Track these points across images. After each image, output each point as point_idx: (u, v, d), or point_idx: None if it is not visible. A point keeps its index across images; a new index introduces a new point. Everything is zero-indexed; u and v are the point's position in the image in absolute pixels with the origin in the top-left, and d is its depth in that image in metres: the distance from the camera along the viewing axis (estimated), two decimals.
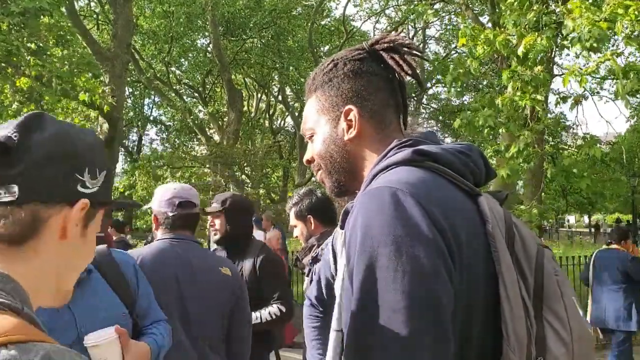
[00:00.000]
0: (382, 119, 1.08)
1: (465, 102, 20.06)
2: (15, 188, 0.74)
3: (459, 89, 6.30)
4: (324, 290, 2.20)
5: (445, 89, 22.27)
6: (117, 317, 1.66)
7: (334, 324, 1.90)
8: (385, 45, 1.09)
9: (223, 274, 2.26)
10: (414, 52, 1.11)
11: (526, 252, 0.94)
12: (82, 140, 0.82)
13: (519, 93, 5.50)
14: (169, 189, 2.32)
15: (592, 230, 33.99)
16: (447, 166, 0.96)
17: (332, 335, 1.88)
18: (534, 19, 5.80)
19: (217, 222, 3.03)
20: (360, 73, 1.09)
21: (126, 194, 18.07)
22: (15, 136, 0.76)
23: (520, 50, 5.36)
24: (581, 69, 5.44)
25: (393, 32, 1.21)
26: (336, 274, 1.96)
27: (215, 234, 3.08)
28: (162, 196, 2.28)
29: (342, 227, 1.03)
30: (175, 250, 2.20)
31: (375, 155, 1.06)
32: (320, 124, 1.13)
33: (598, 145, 6.45)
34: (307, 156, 1.18)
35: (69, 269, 0.83)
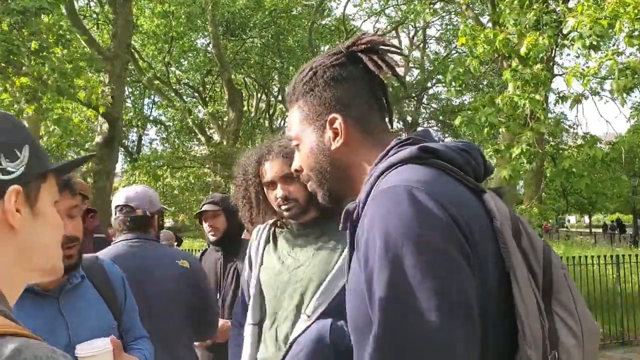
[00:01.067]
0: (367, 123, 1.08)
1: (466, 102, 20.05)
2: None
3: (458, 88, 6.30)
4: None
5: (446, 89, 22.33)
6: (107, 328, 1.64)
7: (249, 319, 1.93)
8: (363, 46, 1.08)
9: (180, 266, 2.38)
10: (393, 50, 1.10)
11: (534, 247, 0.94)
12: None
13: (519, 92, 5.49)
14: (114, 196, 2.48)
15: (601, 230, 33.87)
16: (450, 163, 0.95)
17: (249, 328, 1.91)
18: (534, 18, 5.79)
19: (217, 221, 3.05)
20: (341, 80, 1.08)
21: None
22: None
23: (522, 50, 5.36)
24: (583, 69, 5.44)
25: (370, 32, 1.18)
26: (251, 278, 2.00)
27: (214, 234, 3.08)
28: (112, 204, 2.46)
29: (344, 229, 1.02)
30: (131, 250, 2.31)
31: (366, 160, 1.06)
32: (306, 134, 1.12)
33: (598, 145, 6.44)
34: (295, 165, 1.17)
35: (41, 249, 0.81)
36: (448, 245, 0.82)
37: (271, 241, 2.00)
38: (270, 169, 1.89)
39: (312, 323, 1.71)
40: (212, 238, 3.13)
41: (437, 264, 0.81)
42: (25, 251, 0.79)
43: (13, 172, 0.78)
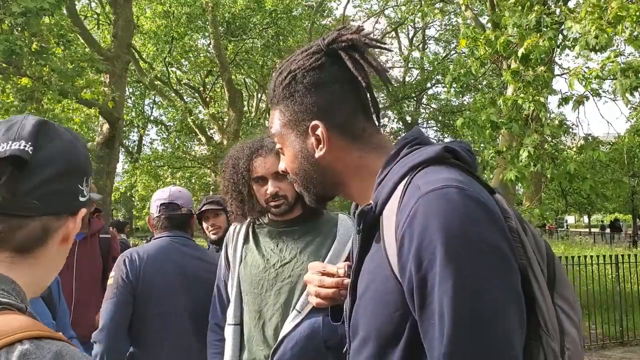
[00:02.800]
0: (353, 128, 1.03)
1: (465, 103, 20.07)
2: (34, 202, 0.76)
3: (458, 89, 6.31)
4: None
5: (445, 89, 22.31)
6: (48, 325, 1.62)
7: (230, 319, 1.92)
8: (344, 44, 1.01)
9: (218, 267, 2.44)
10: (378, 45, 1.05)
11: (537, 244, 0.96)
12: (82, 151, 0.85)
13: (521, 95, 5.51)
14: (157, 193, 2.55)
15: (609, 230, 33.66)
16: (465, 163, 0.97)
17: (229, 329, 1.90)
18: (535, 20, 5.82)
19: (218, 220, 3.09)
20: (322, 84, 1.02)
21: (127, 194, 18.07)
22: (30, 149, 0.76)
23: (520, 52, 5.37)
24: (585, 70, 5.46)
25: (352, 26, 1.08)
26: (229, 278, 2.00)
27: (215, 233, 3.12)
28: (153, 200, 2.51)
29: (359, 232, 1.01)
30: (175, 246, 2.39)
31: (361, 164, 1.03)
32: (289, 139, 1.07)
33: (599, 146, 6.45)
34: (281, 167, 1.14)
35: (56, 267, 0.86)
36: (505, 244, 0.83)
37: (251, 239, 1.98)
38: (262, 165, 1.88)
39: (303, 319, 1.71)
40: (213, 237, 3.16)
41: (500, 264, 0.82)
42: (55, 266, 0.85)
43: (85, 197, 0.85)
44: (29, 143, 0.77)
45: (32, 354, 0.63)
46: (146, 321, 2.28)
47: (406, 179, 0.93)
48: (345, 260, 1.80)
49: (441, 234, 0.81)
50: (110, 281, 2.30)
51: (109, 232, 3.63)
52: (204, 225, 3.22)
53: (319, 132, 1.02)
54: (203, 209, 3.19)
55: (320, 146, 1.03)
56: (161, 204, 2.45)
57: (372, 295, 0.95)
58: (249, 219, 2.00)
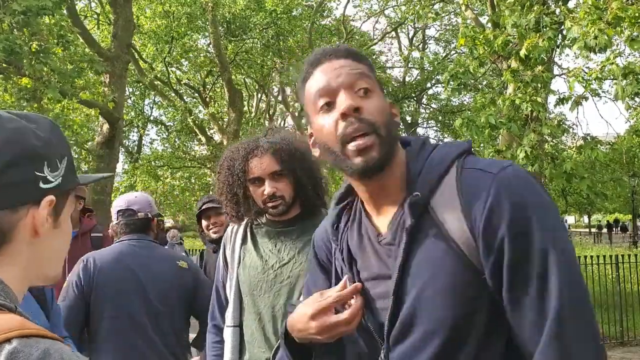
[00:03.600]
0: None
1: (465, 103, 20.07)
2: None
3: (455, 87, 6.30)
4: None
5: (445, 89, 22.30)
6: (42, 326, 1.62)
7: (229, 321, 1.91)
8: None
9: (178, 266, 2.55)
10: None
11: None
12: (38, 136, 0.80)
13: (520, 94, 5.51)
14: (115, 201, 2.67)
15: (618, 230, 33.62)
16: None
17: (229, 331, 1.89)
18: (534, 19, 5.81)
19: (219, 219, 3.10)
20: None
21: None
22: None
23: (522, 52, 5.37)
24: (584, 71, 5.45)
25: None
26: (227, 278, 1.98)
27: (216, 232, 3.12)
28: (112, 209, 2.63)
29: (415, 223, 0.99)
30: (133, 249, 2.47)
31: (398, 148, 1.08)
32: (377, 89, 1.07)
33: (599, 146, 6.45)
34: (354, 101, 1.03)
35: (52, 257, 0.84)
36: None
37: (249, 239, 1.97)
38: (258, 166, 1.85)
39: None
40: (214, 235, 3.16)
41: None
42: (38, 258, 0.81)
43: (52, 182, 0.81)
44: None
45: (19, 352, 0.62)
46: (101, 322, 2.36)
47: (454, 167, 1.00)
48: None
49: (532, 203, 0.92)
50: (64, 283, 2.41)
51: (101, 231, 3.65)
52: (204, 223, 3.21)
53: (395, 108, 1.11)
54: (204, 207, 3.19)
55: (394, 111, 1.09)
56: (118, 211, 2.55)
57: (441, 286, 0.95)
58: (246, 220, 1.98)
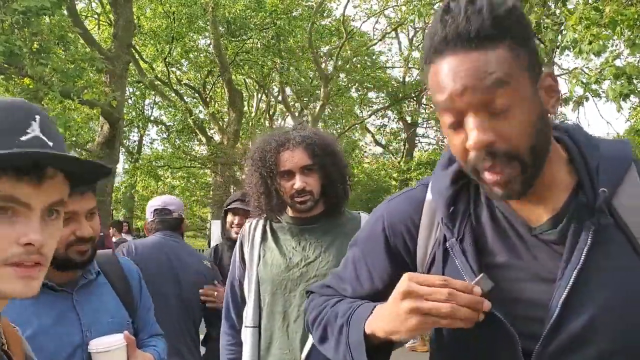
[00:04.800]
0: None
1: None
2: None
3: None
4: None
5: None
6: (122, 324, 1.61)
7: (248, 321, 1.85)
8: None
9: (205, 265, 2.75)
10: None
11: None
12: None
13: None
14: (152, 201, 2.91)
15: None
16: None
17: (248, 332, 1.83)
18: (535, 22, 5.82)
19: (245, 221, 3.06)
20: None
21: (127, 194, 18.08)
22: None
23: None
24: (584, 72, 5.46)
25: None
26: (244, 277, 1.91)
27: (237, 233, 3.08)
28: (148, 207, 2.87)
29: (600, 217, 0.85)
30: (168, 242, 2.68)
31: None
32: (522, 88, 0.80)
33: None
34: (485, 135, 0.80)
35: None
36: None
37: (269, 236, 1.90)
38: (289, 159, 1.80)
39: None
40: (234, 235, 3.11)
41: None
42: None
43: None
44: None
45: None
46: None
47: (633, 164, 0.89)
48: None
49: None
50: None
51: (102, 231, 3.70)
52: (229, 220, 3.14)
53: (552, 80, 0.85)
54: (233, 205, 3.11)
55: (553, 101, 0.85)
56: (154, 210, 2.79)
57: (631, 301, 0.81)
58: (265, 216, 1.91)
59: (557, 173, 0.89)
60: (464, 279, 0.87)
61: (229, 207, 3.09)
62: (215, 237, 9.18)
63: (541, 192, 0.88)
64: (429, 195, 1.00)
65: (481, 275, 0.84)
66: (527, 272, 0.87)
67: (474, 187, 0.97)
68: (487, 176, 0.84)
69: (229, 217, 3.11)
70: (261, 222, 1.95)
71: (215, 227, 9.70)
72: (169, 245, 2.66)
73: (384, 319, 0.90)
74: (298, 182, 1.78)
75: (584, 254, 0.82)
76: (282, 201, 1.84)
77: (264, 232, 1.92)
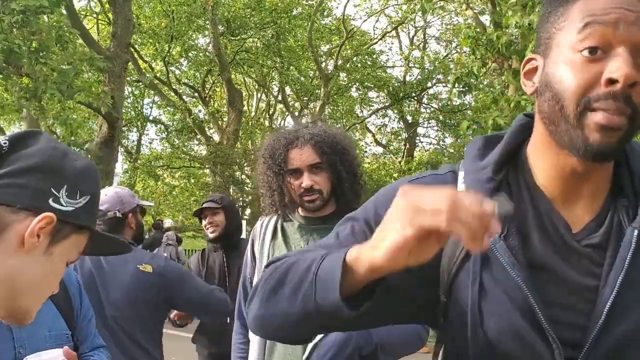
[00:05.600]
0: None
1: (466, 102, 20.05)
2: None
3: (461, 89, 6.26)
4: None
5: (446, 89, 22.20)
6: (60, 337, 1.46)
7: None
8: None
9: (142, 271, 2.33)
10: None
11: None
12: (71, 162, 0.84)
13: (525, 96, 5.48)
14: None
15: None
16: None
17: (256, 338, 1.81)
18: (536, 19, 5.78)
19: (217, 218, 3.10)
20: None
21: None
22: (5, 144, 0.79)
23: (528, 52, 5.33)
24: None
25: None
26: (254, 274, 1.90)
27: (213, 232, 3.12)
28: None
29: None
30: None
31: None
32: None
33: None
34: (634, 72, 0.76)
35: (29, 285, 0.81)
36: None
37: (279, 235, 1.89)
38: (298, 157, 1.78)
39: None
40: (211, 235, 3.17)
41: None
42: (17, 278, 0.79)
43: (62, 206, 0.83)
44: (7, 140, 0.80)
45: None
46: None
47: None
48: None
49: None
50: None
51: None
52: (203, 222, 3.22)
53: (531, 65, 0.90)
54: (202, 207, 3.20)
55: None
56: None
57: None
58: (278, 214, 1.90)
59: (604, 172, 0.86)
60: (511, 277, 0.81)
61: (199, 211, 3.16)
62: None
63: (587, 191, 0.85)
64: (461, 185, 0.91)
65: (501, 194, 0.76)
66: (570, 276, 0.82)
67: (515, 181, 0.89)
68: (595, 118, 0.76)
69: (203, 222, 3.16)
70: (273, 220, 1.93)
71: None
72: (94, 258, 2.28)
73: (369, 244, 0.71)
74: (306, 181, 1.77)
75: (628, 258, 0.78)
76: (293, 199, 1.84)
77: (275, 230, 1.91)
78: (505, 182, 0.89)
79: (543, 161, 0.87)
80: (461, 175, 0.92)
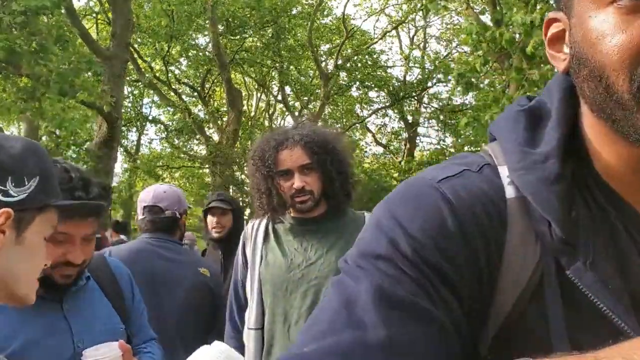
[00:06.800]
0: None
1: (467, 102, 20.04)
2: None
3: (463, 86, 6.23)
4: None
5: (446, 88, 22.18)
6: (115, 330, 1.52)
7: (251, 323, 1.80)
8: None
9: (201, 274, 2.34)
10: None
11: None
12: (6, 151, 0.84)
13: (526, 94, 5.46)
14: (142, 194, 2.44)
15: None
16: None
17: (251, 333, 1.78)
18: (540, 17, 5.76)
19: (225, 220, 3.08)
20: None
21: (127, 194, 18.00)
22: None
23: (529, 49, 5.30)
24: None
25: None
26: (247, 278, 1.87)
27: (219, 232, 3.09)
28: (138, 201, 2.42)
29: None
30: (152, 248, 2.28)
31: None
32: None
33: None
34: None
35: (17, 275, 0.84)
36: None
37: (271, 237, 1.87)
38: (288, 158, 1.78)
39: None
40: (216, 235, 3.13)
41: None
42: (1, 274, 0.82)
43: (13, 197, 0.83)
44: None
45: None
46: None
47: None
48: None
49: None
50: None
51: (99, 232, 3.60)
52: (209, 220, 3.15)
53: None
54: (211, 205, 3.15)
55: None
56: (144, 207, 2.35)
57: None
58: (267, 216, 1.89)
59: None
60: (610, 320, 0.54)
61: (208, 207, 3.11)
62: None
63: None
64: (509, 190, 0.62)
65: None
66: None
67: (580, 178, 0.62)
68: None
69: (209, 218, 3.12)
70: (264, 222, 1.91)
71: None
72: (149, 253, 2.24)
73: None
74: (297, 182, 1.76)
75: None
76: (283, 201, 1.82)
77: (267, 232, 1.89)
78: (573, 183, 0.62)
79: (604, 149, 0.61)
80: (503, 172, 0.63)
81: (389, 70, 22.32)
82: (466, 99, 20.11)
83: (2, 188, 0.83)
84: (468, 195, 0.60)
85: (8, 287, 0.84)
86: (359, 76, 20.41)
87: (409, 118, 23.06)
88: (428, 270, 0.55)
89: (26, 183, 0.85)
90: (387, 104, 22.39)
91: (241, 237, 1.99)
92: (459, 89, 6.09)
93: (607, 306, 0.54)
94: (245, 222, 2.92)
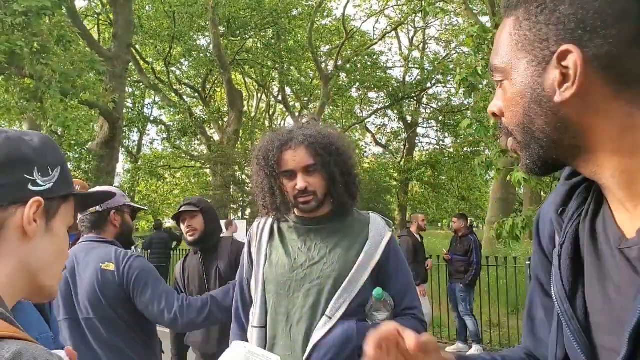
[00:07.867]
0: (623, 69, 0.65)
1: (465, 103, 20.09)
2: None
3: (466, 90, 6.24)
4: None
5: (445, 89, 22.17)
6: (47, 340, 1.49)
7: (254, 321, 1.81)
8: None
9: (103, 269, 2.28)
10: None
11: None
12: (28, 143, 0.87)
13: None
14: None
15: None
16: None
17: (254, 332, 1.80)
18: None
19: (195, 222, 3.02)
20: None
21: (130, 194, 18.03)
22: None
23: None
24: None
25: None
26: (252, 277, 1.88)
27: (192, 235, 3.05)
28: None
29: None
30: (74, 250, 2.33)
31: (625, 126, 0.67)
32: (518, 67, 0.72)
33: None
34: (491, 107, 0.78)
35: (44, 265, 0.86)
36: None
37: (276, 236, 1.88)
38: (292, 158, 1.76)
39: (334, 324, 1.63)
40: (190, 239, 3.10)
41: None
42: (31, 262, 0.84)
43: (41, 186, 0.86)
44: None
45: None
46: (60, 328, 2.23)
47: None
48: (375, 265, 1.71)
49: None
50: None
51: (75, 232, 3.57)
52: (182, 226, 3.16)
53: (570, 62, 0.67)
54: (180, 211, 3.13)
55: (567, 85, 0.67)
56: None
57: None
58: (273, 215, 1.89)
59: None
60: (563, 290, 0.75)
61: (177, 214, 3.08)
62: None
63: None
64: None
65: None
66: (610, 294, 0.70)
67: (592, 190, 0.77)
68: None
69: (182, 225, 3.09)
70: (269, 221, 1.92)
71: None
72: (71, 257, 2.27)
73: None
74: (300, 182, 1.76)
75: None
76: (287, 201, 1.82)
77: (272, 231, 1.90)
78: (585, 187, 0.79)
79: (613, 162, 0.72)
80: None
81: (388, 71, 22.39)
82: (467, 102, 20.18)
83: (31, 178, 0.85)
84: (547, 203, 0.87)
85: (38, 279, 0.85)
86: (358, 77, 20.46)
87: (409, 118, 23.12)
88: None
89: (50, 173, 0.88)
90: (387, 105, 22.45)
91: (247, 235, 2.00)
92: (462, 91, 6.10)
93: (553, 275, 0.78)
94: (245, 221, 2.92)
